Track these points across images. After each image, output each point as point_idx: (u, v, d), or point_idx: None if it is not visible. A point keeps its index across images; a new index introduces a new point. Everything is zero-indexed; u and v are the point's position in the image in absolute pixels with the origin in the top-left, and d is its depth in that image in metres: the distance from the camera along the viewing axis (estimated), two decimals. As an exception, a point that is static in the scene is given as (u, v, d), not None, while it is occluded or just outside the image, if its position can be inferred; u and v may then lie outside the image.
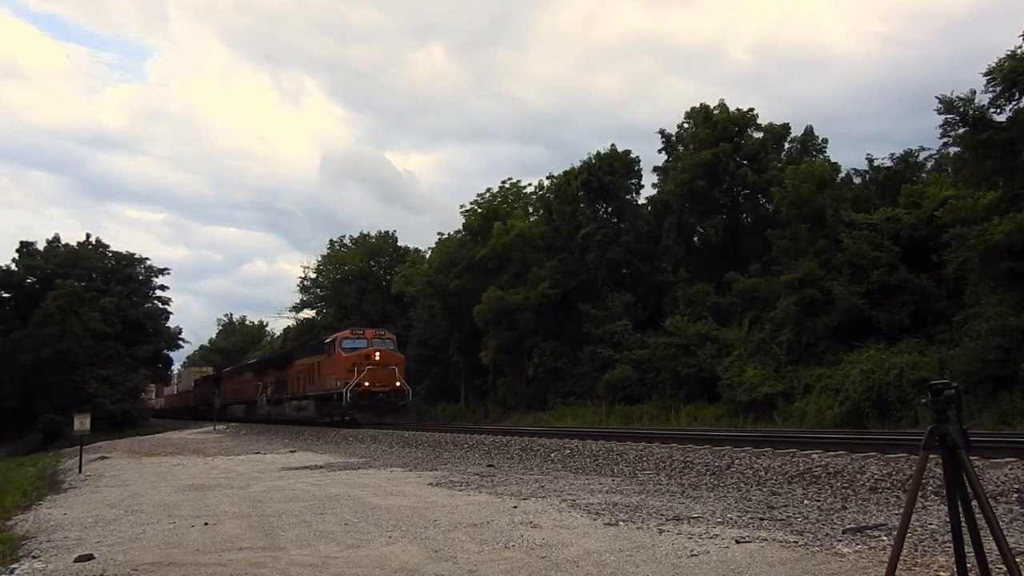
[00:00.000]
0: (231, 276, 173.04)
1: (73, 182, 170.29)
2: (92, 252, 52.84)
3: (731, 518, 7.25)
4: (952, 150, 22.95)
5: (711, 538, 6.21)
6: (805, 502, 8.30)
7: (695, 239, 36.88)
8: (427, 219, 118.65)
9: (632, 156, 41.04)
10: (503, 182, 48.15)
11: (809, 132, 37.11)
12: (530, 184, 48.88)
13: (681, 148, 38.09)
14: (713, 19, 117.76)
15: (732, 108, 36.33)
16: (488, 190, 47.77)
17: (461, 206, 47.78)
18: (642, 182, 41.61)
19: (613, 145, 41.46)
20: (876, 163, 32.97)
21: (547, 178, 46.07)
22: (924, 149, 32.03)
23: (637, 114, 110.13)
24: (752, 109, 36.52)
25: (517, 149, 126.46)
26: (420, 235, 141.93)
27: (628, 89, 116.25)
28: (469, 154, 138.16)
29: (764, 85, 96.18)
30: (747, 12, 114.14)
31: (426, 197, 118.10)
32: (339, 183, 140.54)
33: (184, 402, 63.37)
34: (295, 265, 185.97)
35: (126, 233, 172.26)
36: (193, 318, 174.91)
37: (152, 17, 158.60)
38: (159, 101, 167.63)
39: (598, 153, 40.90)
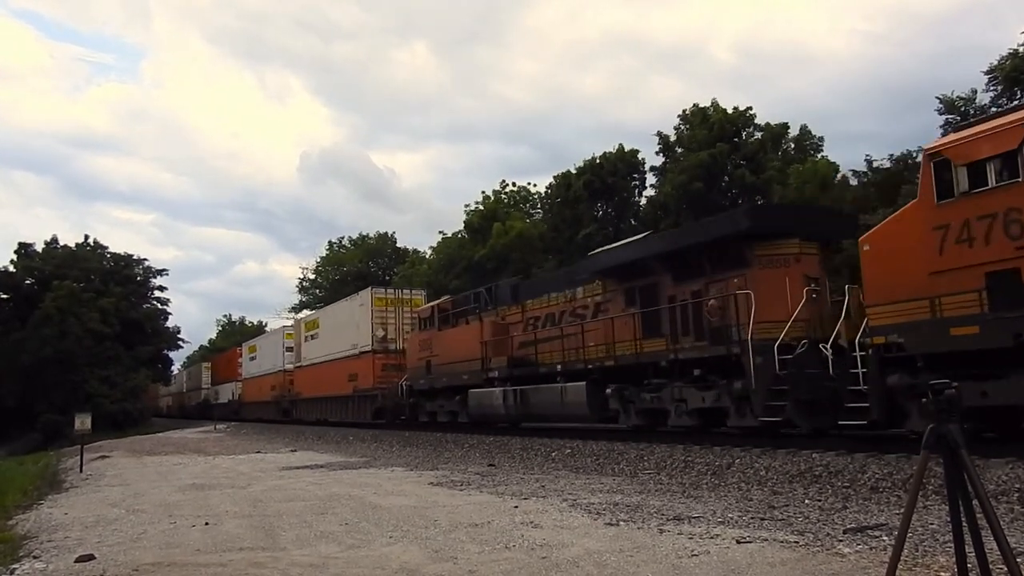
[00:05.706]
0: (223, 277, 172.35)
1: (59, 182, 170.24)
2: (90, 253, 52.84)
3: (732, 518, 7.25)
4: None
5: (712, 538, 6.22)
6: (806, 502, 8.30)
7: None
8: (410, 218, 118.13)
9: (639, 156, 41.14)
10: (501, 185, 48.27)
11: (805, 131, 37.14)
12: (530, 184, 49.07)
13: (679, 150, 38.08)
14: (695, 17, 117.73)
15: (722, 107, 36.35)
16: (491, 192, 47.92)
17: (465, 205, 48.07)
18: (646, 183, 41.75)
19: (621, 145, 41.51)
20: (875, 164, 32.99)
21: (553, 177, 46.30)
22: None
23: (623, 113, 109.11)
24: (749, 108, 36.54)
25: (503, 148, 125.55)
26: (404, 234, 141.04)
27: (613, 88, 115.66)
28: (455, 153, 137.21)
29: (749, 84, 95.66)
30: (729, 11, 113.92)
31: (408, 195, 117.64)
32: (319, 182, 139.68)
33: (338, 379, 27.99)
34: (287, 266, 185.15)
35: (116, 234, 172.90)
36: (189, 319, 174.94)
37: (134, 15, 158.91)
38: (143, 101, 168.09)
39: (604, 153, 41.01)
